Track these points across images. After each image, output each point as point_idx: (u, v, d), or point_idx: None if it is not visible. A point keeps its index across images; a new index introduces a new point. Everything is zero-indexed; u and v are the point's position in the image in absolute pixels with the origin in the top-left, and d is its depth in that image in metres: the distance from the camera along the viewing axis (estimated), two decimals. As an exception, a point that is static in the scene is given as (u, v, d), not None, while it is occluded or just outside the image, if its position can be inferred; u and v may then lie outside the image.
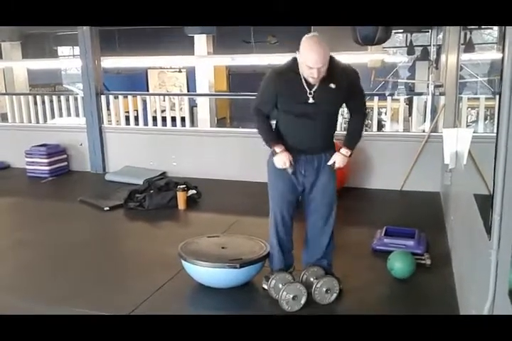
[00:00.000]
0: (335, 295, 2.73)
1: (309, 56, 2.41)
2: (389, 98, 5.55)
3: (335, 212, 2.83)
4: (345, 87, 2.58)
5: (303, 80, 2.53)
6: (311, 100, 2.56)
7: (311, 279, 2.79)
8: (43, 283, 3.09)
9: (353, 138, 2.77)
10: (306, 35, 2.52)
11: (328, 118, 2.70)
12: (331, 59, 2.49)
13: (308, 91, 2.55)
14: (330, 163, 2.70)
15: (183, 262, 2.92)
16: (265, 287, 2.82)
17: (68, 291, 2.94)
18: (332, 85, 2.54)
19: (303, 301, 2.65)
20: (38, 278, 3.18)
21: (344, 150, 2.72)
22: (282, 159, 2.65)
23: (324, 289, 2.70)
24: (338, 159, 2.70)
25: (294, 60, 2.56)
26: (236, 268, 2.77)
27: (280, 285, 2.70)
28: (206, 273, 2.87)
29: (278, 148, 2.67)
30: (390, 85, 7.39)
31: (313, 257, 2.89)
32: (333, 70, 2.50)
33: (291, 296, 2.62)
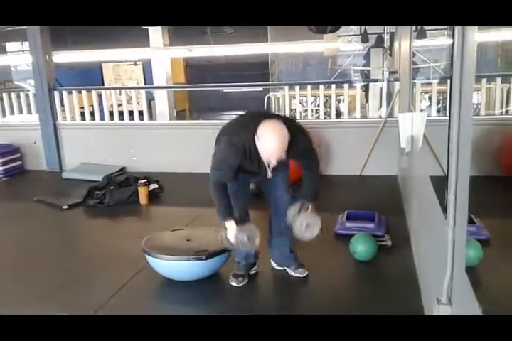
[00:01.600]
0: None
1: (269, 149, 2.35)
2: (346, 86, 5.62)
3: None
4: (296, 153, 2.50)
5: (264, 161, 2.46)
6: (269, 175, 2.56)
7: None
8: (2, 287, 2.98)
9: (311, 194, 2.67)
10: (265, 122, 2.36)
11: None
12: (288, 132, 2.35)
13: (266, 168, 2.52)
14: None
15: (147, 257, 2.88)
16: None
17: (30, 294, 2.85)
18: (285, 156, 2.43)
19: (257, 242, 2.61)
20: (-4, 281, 3.07)
21: (309, 206, 2.64)
22: (234, 236, 2.57)
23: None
24: (308, 216, 2.61)
25: (252, 134, 2.38)
26: (202, 260, 2.76)
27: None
28: (171, 267, 2.84)
29: (230, 225, 2.59)
30: (346, 73, 7.48)
31: (278, 233, 2.86)
32: (288, 146, 2.38)
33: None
